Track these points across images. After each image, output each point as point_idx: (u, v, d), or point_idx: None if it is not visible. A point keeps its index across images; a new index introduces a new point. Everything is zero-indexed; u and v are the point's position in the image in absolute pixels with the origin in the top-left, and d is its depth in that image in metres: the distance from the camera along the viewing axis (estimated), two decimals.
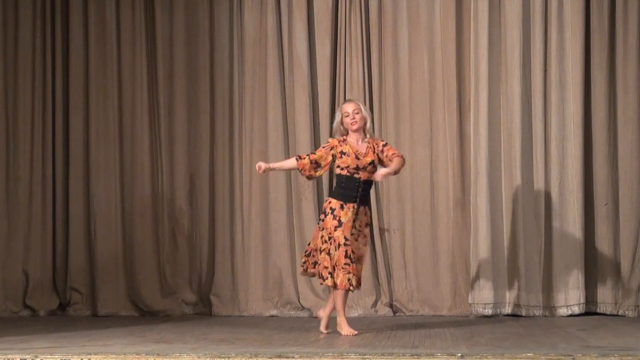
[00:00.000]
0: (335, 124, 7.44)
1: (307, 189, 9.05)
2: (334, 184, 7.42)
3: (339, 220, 7.19)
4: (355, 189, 7.24)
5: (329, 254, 7.19)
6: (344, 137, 7.34)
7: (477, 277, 8.64)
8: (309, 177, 7.44)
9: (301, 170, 7.34)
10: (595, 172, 8.73)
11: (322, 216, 7.30)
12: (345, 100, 7.67)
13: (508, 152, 8.73)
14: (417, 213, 8.98)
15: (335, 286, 7.20)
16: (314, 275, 7.45)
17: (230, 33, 9.29)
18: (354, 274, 7.16)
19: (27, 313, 9.17)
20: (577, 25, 8.68)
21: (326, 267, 7.21)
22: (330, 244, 7.19)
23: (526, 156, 8.72)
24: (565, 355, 5.70)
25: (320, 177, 7.69)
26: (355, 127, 7.31)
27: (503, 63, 8.78)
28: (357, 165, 7.24)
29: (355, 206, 7.23)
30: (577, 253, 8.59)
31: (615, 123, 8.73)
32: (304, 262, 7.40)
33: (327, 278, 7.21)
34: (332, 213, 7.22)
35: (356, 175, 7.24)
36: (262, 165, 7.34)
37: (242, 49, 9.26)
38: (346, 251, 7.14)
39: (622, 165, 8.69)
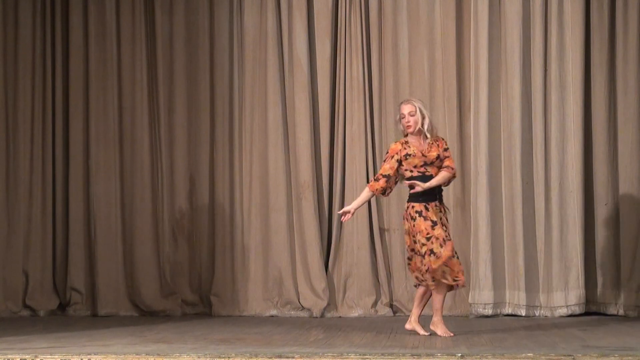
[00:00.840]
0: (397, 122, 7.38)
1: (307, 189, 9.04)
2: (409, 189, 7.21)
3: (432, 220, 7.10)
4: (432, 187, 7.17)
5: (433, 253, 7.02)
6: (406, 139, 7.26)
7: (477, 277, 8.64)
8: (389, 191, 7.34)
9: (380, 192, 7.25)
10: (595, 172, 8.73)
11: (406, 223, 7.18)
12: (403, 100, 7.42)
13: (508, 152, 8.73)
14: None
15: (445, 285, 7.11)
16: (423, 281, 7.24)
17: (230, 33, 9.29)
18: (458, 271, 7.07)
19: (27, 313, 9.17)
20: (577, 25, 8.68)
21: (427, 270, 7.06)
22: (432, 242, 7.05)
23: (526, 156, 8.72)
24: (565, 355, 5.70)
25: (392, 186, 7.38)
26: (410, 130, 7.25)
27: (503, 63, 8.78)
28: (424, 162, 7.18)
29: (438, 203, 7.19)
30: (577, 253, 8.59)
31: (615, 123, 8.73)
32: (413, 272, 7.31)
33: (427, 279, 7.12)
34: (420, 216, 7.11)
35: (427, 173, 7.18)
36: (349, 211, 7.27)
37: (242, 49, 9.26)
38: (452, 246, 7.07)
39: (622, 165, 8.68)
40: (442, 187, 7.28)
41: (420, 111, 7.24)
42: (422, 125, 7.23)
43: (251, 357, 5.79)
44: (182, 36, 9.32)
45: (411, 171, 7.18)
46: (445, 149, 7.30)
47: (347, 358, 5.76)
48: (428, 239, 7.05)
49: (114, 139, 9.30)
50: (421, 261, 7.09)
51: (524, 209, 8.66)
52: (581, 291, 8.56)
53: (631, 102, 8.68)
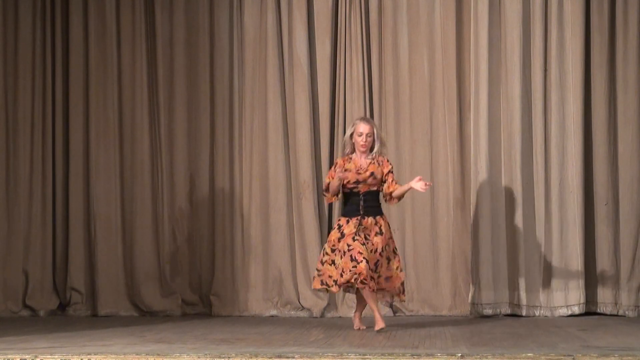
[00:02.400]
0: (346, 137, 7.67)
1: (307, 189, 9.05)
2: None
3: (342, 233, 7.46)
4: (357, 203, 7.50)
5: (333, 263, 7.46)
6: (350, 155, 7.62)
7: (477, 277, 8.64)
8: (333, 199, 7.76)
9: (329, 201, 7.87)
10: (595, 172, 8.73)
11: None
12: (362, 118, 7.81)
13: (508, 152, 8.73)
14: (417, 213, 8.98)
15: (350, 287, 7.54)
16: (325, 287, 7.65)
17: (230, 33, 9.29)
18: (360, 273, 7.26)
19: (27, 313, 9.17)
20: (577, 25, 8.68)
21: (330, 277, 7.47)
22: (335, 254, 7.46)
23: (526, 156, 8.72)
24: (565, 355, 5.70)
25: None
26: (363, 149, 7.56)
27: (503, 63, 8.78)
28: (357, 179, 7.49)
29: (359, 218, 7.46)
30: (577, 253, 8.59)
31: (615, 123, 8.73)
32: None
33: (332, 285, 7.48)
34: (338, 228, 7.53)
35: (355, 190, 7.50)
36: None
37: (242, 49, 9.26)
38: (351, 255, 7.33)
39: (622, 165, 8.69)
40: (376, 204, 7.59)
41: (375, 135, 7.55)
42: (372, 147, 7.57)
43: (251, 357, 5.78)
44: (182, 36, 9.32)
45: (344, 187, 7.53)
46: (390, 172, 7.59)
47: (347, 358, 5.75)
48: (332, 251, 7.50)
49: (114, 139, 9.30)
50: (322, 267, 7.57)
51: (524, 209, 8.66)
52: (581, 291, 8.56)
53: (631, 102, 8.69)
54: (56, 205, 9.32)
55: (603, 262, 8.68)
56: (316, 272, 7.65)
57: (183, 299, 9.17)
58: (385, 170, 7.57)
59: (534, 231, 8.68)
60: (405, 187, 7.55)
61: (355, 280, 7.29)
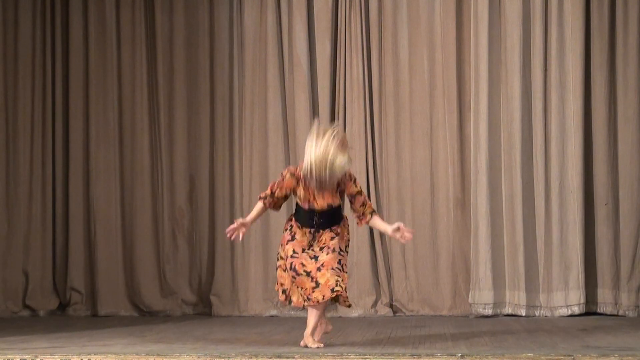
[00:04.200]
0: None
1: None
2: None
3: (293, 236, 6.50)
4: (311, 218, 6.46)
5: (285, 270, 6.50)
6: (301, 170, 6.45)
7: (477, 277, 8.64)
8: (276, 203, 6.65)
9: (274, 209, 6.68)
10: (595, 172, 8.73)
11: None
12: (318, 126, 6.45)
13: (508, 152, 8.73)
14: (417, 213, 8.98)
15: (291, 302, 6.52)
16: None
17: (230, 33, 9.29)
18: (304, 289, 6.36)
19: (27, 313, 9.17)
20: (577, 25, 8.67)
21: (282, 284, 6.54)
22: (285, 259, 6.50)
23: (526, 156, 8.72)
24: (565, 355, 5.70)
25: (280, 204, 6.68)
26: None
27: (503, 63, 8.78)
28: (308, 200, 6.44)
29: (312, 231, 6.47)
30: (577, 253, 8.58)
31: (615, 123, 8.72)
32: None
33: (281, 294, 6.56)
34: (289, 230, 6.55)
35: (310, 208, 6.44)
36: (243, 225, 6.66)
37: (242, 49, 9.26)
38: (291, 263, 6.40)
39: (622, 165, 8.68)
40: (334, 217, 6.49)
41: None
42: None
43: (251, 357, 5.78)
44: (182, 36, 9.32)
45: (298, 197, 6.49)
46: (359, 193, 6.49)
47: (347, 358, 5.75)
48: (279, 257, 6.55)
49: (114, 139, 9.30)
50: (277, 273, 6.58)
51: (524, 209, 8.66)
52: (581, 291, 8.56)
53: (631, 102, 8.68)
54: (56, 205, 9.32)
55: (603, 262, 8.67)
56: (278, 285, 6.61)
57: (183, 299, 9.17)
58: (352, 191, 6.45)
59: (534, 231, 8.68)
60: (382, 229, 6.57)
61: (304, 298, 6.38)
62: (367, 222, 6.55)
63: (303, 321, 8.39)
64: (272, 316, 8.96)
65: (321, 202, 6.44)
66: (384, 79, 9.08)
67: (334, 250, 6.44)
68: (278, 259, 6.59)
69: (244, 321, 8.53)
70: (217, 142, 9.27)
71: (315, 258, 6.41)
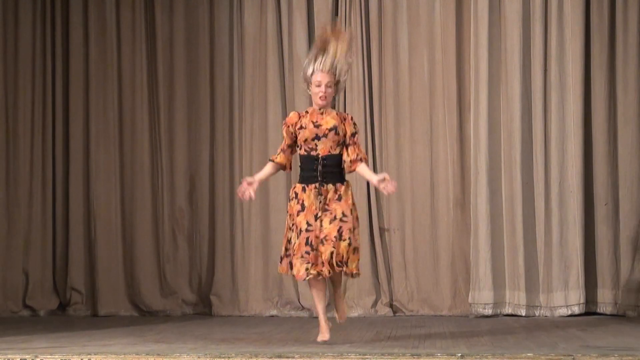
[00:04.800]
0: (302, 75, 6.53)
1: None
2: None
3: (302, 204, 6.41)
4: (313, 168, 6.44)
5: (290, 241, 6.45)
6: (307, 109, 6.56)
7: (477, 277, 8.64)
8: (288, 165, 6.65)
9: (287, 166, 6.63)
10: (595, 172, 8.73)
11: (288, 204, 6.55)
12: (322, 68, 6.48)
13: (508, 152, 8.73)
14: (417, 213, 8.99)
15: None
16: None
17: (230, 33, 9.30)
18: (313, 263, 6.31)
19: (27, 313, 9.17)
20: (577, 25, 8.68)
21: (287, 255, 6.48)
22: (293, 230, 6.42)
23: (526, 156, 8.72)
24: (565, 355, 5.70)
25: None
26: (322, 102, 6.48)
27: (503, 63, 8.78)
28: (316, 134, 6.41)
29: (317, 186, 6.41)
30: (577, 253, 8.59)
31: (615, 123, 8.73)
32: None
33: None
34: (295, 197, 6.45)
35: (313, 153, 6.43)
36: (250, 183, 6.60)
37: (242, 49, 9.26)
38: (307, 238, 6.32)
39: (622, 165, 8.68)
40: (337, 169, 6.47)
41: (337, 87, 6.53)
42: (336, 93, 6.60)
43: (251, 357, 5.78)
44: (182, 36, 9.33)
45: (300, 148, 6.47)
46: (353, 134, 6.49)
47: (347, 358, 5.75)
48: (292, 224, 6.44)
49: (114, 139, 9.30)
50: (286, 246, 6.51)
51: (524, 209, 8.66)
52: (581, 291, 8.56)
53: (631, 102, 8.69)
54: (56, 205, 9.32)
55: (603, 262, 8.67)
56: (283, 252, 6.55)
57: (183, 299, 9.17)
58: (348, 131, 6.48)
59: (534, 231, 8.68)
60: (368, 177, 6.55)
61: (308, 273, 6.29)
62: (356, 169, 6.49)
63: (303, 321, 8.43)
64: (272, 316, 8.96)
65: (322, 146, 6.43)
66: (384, 79, 9.08)
67: (335, 218, 6.38)
68: (286, 230, 6.51)
69: (244, 321, 8.53)
70: (217, 142, 9.28)
71: (321, 222, 6.38)
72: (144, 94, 9.33)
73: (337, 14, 9.11)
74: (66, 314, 9.18)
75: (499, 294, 8.64)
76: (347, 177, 6.63)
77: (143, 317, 9.00)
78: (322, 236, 6.36)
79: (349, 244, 6.36)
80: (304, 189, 6.45)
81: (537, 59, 8.73)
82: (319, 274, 6.34)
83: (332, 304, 7.00)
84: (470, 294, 8.65)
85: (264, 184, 9.12)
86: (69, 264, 9.26)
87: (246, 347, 6.37)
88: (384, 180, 6.39)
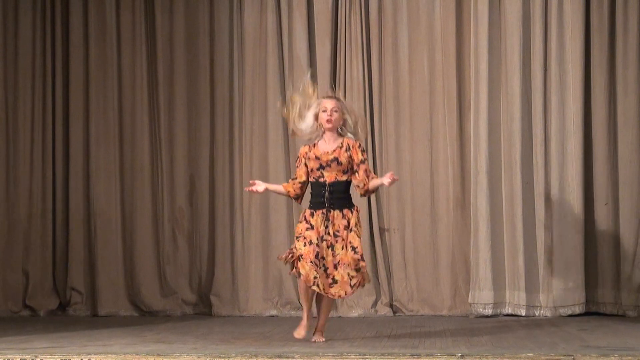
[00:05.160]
0: (309, 120, 6.88)
1: (307, 189, 9.04)
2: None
3: (310, 224, 6.76)
4: (321, 194, 6.81)
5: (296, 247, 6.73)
6: (315, 142, 6.89)
7: (477, 277, 8.64)
8: (301, 198, 7.02)
9: (293, 195, 6.97)
10: (595, 172, 8.73)
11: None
12: (327, 95, 7.03)
13: (508, 152, 8.73)
14: (417, 213, 8.98)
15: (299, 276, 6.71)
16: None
17: (230, 33, 9.29)
18: (320, 276, 6.64)
19: (27, 313, 9.17)
20: (577, 25, 8.68)
21: (293, 255, 6.74)
22: (299, 240, 6.70)
23: (526, 156, 8.72)
24: (565, 355, 5.70)
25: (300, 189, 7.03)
26: (329, 125, 6.82)
27: (503, 63, 8.78)
28: (319, 164, 6.80)
29: (324, 211, 6.77)
30: (577, 253, 8.59)
31: (615, 123, 8.72)
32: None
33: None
34: (304, 220, 6.82)
35: (321, 180, 6.80)
36: (257, 185, 7.05)
37: (242, 49, 9.26)
38: (316, 251, 6.67)
39: (622, 166, 8.68)
40: (344, 195, 6.83)
41: (342, 110, 6.86)
42: (343, 125, 6.87)
43: (251, 357, 5.78)
44: (182, 36, 9.33)
45: (309, 177, 6.88)
46: (362, 161, 6.81)
47: (347, 358, 5.75)
48: (297, 238, 6.76)
49: (114, 139, 9.30)
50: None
51: (524, 209, 8.66)
52: (581, 291, 8.56)
53: (631, 102, 8.68)
54: (56, 205, 9.32)
55: (603, 262, 8.67)
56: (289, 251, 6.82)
57: (183, 299, 9.17)
58: (356, 159, 6.80)
59: (534, 231, 8.68)
60: (377, 183, 6.84)
61: (315, 282, 6.59)
62: (368, 187, 6.85)
63: None
64: (272, 316, 8.96)
65: (327, 174, 6.80)
66: (384, 79, 9.08)
67: (345, 247, 6.75)
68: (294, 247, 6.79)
69: (244, 321, 8.53)
70: (217, 142, 9.27)
71: (332, 247, 6.74)
72: (144, 94, 9.32)
73: (337, 14, 9.11)
74: (66, 314, 9.17)
75: (499, 294, 8.64)
76: (357, 201, 7.02)
77: (143, 317, 8.99)
78: (335, 261, 6.75)
79: (358, 281, 6.77)
80: (312, 214, 6.82)
81: (537, 59, 8.73)
82: (319, 287, 6.66)
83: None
84: (470, 294, 8.65)
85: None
86: (69, 264, 9.26)
87: (246, 347, 6.37)
88: (390, 177, 6.74)
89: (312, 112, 6.89)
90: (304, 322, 6.78)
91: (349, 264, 6.70)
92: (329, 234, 6.76)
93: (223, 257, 9.17)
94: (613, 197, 8.69)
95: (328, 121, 6.83)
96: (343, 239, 6.75)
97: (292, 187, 6.99)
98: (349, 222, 6.79)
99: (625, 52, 8.68)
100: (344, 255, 6.73)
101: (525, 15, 8.74)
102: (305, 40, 9.14)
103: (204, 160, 9.28)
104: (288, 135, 9.01)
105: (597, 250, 8.69)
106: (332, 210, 6.79)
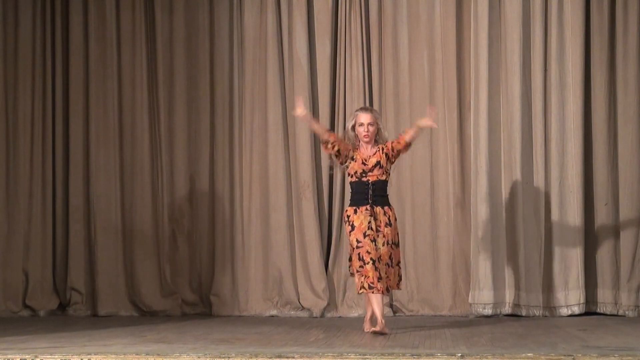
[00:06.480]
0: (347, 128, 7.47)
1: (307, 189, 9.05)
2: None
3: (352, 225, 7.29)
4: (365, 192, 7.33)
5: (350, 259, 7.36)
6: (357, 145, 7.42)
7: (477, 277, 8.64)
8: (332, 149, 7.38)
9: (331, 142, 7.34)
10: (595, 172, 8.73)
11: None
12: (362, 108, 7.62)
13: (508, 152, 8.73)
14: (417, 213, 8.98)
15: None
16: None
17: (230, 33, 9.30)
18: (366, 276, 7.12)
19: (27, 313, 9.17)
20: (577, 25, 8.68)
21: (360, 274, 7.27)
22: (352, 250, 7.31)
23: (526, 156, 8.72)
24: (565, 355, 5.70)
25: (333, 153, 7.42)
26: (366, 139, 7.39)
27: (503, 63, 8.79)
28: (363, 169, 7.33)
29: (369, 207, 7.29)
30: (577, 253, 8.59)
31: (615, 123, 8.73)
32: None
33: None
34: (347, 220, 7.35)
35: (364, 179, 7.33)
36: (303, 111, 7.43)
37: (242, 49, 9.26)
38: (359, 254, 7.19)
39: (622, 165, 8.69)
40: (384, 193, 7.38)
41: (378, 123, 7.41)
42: (377, 136, 7.41)
43: (251, 357, 5.78)
44: (182, 36, 9.33)
45: (351, 176, 7.41)
46: (391, 142, 7.40)
47: (347, 358, 5.75)
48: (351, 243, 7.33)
49: (114, 139, 9.30)
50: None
51: (524, 209, 8.67)
52: (581, 291, 8.57)
53: (631, 102, 8.69)
54: (56, 205, 9.32)
55: (603, 262, 8.68)
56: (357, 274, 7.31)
57: (183, 299, 9.17)
58: (391, 147, 7.37)
59: (534, 231, 8.68)
60: (414, 130, 7.38)
61: (362, 285, 7.14)
62: (407, 140, 7.38)
63: (303, 321, 8.44)
64: (272, 316, 8.96)
65: (371, 174, 7.33)
66: (384, 79, 9.08)
67: (387, 242, 7.28)
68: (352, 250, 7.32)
69: (244, 321, 8.53)
70: (217, 142, 9.28)
71: (374, 241, 7.22)
72: (144, 94, 9.32)
73: (337, 14, 9.11)
74: (66, 314, 9.17)
75: (499, 294, 8.64)
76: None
77: (143, 317, 8.99)
78: (377, 255, 7.23)
79: (398, 273, 7.39)
80: (355, 211, 7.32)
81: (537, 59, 8.73)
82: (375, 286, 7.13)
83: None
84: (470, 294, 8.66)
85: (265, 184, 9.15)
86: (69, 264, 9.26)
87: (246, 347, 6.37)
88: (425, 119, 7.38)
89: (348, 125, 7.46)
90: (380, 318, 7.20)
91: (391, 259, 7.29)
92: (371, 228, 7.24)
93: (223, 257, 9.17)
94: (613, 197, 8.70)
95: (365, 135, 7.38)
96: (384, 235, 7.27)
97: (335, 136, 7.42)
98: (389, 219, 7.33)
99: (625, 52, 8.69)
100: (386, 250, 7.26)
101: (525, 16, 8.75)
102: (305, 40, 9.14)
103: (204, 160, 9.28)
104: (289, 135, 9.09)
105: (597, 251, 8.69)
106: (375, 207, 7.31)
